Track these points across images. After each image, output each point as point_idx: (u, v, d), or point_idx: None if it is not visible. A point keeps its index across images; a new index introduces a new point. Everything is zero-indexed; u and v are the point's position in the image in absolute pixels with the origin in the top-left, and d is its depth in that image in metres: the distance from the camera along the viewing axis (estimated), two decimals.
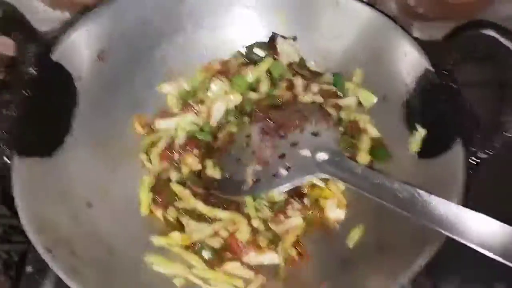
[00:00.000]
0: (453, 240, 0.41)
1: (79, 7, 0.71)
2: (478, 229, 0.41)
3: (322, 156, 0.52)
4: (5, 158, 0.47)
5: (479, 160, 0.48)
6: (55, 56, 0.54)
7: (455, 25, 0.76)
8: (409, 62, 0.57)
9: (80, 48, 0.57)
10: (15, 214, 0.82)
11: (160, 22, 0.62)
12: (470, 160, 0.48)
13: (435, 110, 0.53)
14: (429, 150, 0.52)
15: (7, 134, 0.48)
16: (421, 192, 0.45)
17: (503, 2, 0.73)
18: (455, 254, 0.45)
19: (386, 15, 0.60)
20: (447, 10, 0.75)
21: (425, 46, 0.57)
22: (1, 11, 0.47)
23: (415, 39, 0.58)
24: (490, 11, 0.75)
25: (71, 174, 0.52)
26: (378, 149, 0.57)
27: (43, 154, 0.51)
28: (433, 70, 0.54)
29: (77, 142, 0.55)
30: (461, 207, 0.43)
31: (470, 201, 0.46)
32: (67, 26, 0.57)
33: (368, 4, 0.61)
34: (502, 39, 0.49)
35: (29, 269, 0.56)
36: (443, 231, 0.42)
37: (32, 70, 0.52)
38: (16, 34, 0.50)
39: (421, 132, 0.54)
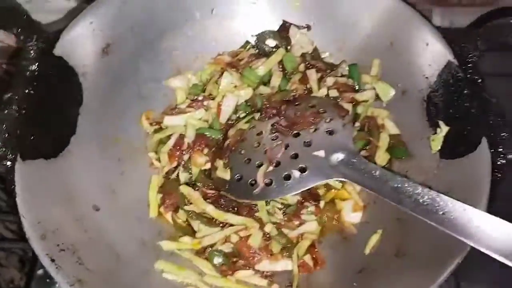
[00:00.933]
0: None
1: None
2: (505, 240, 0.38)
3: (337, 157, 0.49)
4: (7, 162, 0.44)
5: (504, 162, 0.45)
6: (58, 51, 0.52)
7: (477, 10, 0.73)
8: (430, 53, 0.53)
9: (84, 42, 0.54)
10: None
11: (167, 12, 0.60)
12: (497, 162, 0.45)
13: (458, 106, 0.50)
14: (452, 150, 0.49)
15: (9, 135, 0.46)
16: (444, 197, 0.42)
17: None
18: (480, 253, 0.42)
19: (406, 1, 0.56)
20: None
21: (448, 35, 0.53)
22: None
23: (437, 28, 0.54)
24: None
25: (77, 176, 0.50)
26: (397, 147, 0.54)
27: (48, 156, 0.49)
28: (456, 62, 0.51)
29: (82, 142, 0.53)
30: (486, 214, 0.41)
31: (496, 206, 0.43)
32: (70, 18, 0.55)
33: None
34: None
35: (40, 272, 0.55)
36: (466, 241, 0.40)
37: (34, 66, 0.50)
38: (17, 28, 0.47)
39: (443, 129, 0.51)
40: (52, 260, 0.41)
